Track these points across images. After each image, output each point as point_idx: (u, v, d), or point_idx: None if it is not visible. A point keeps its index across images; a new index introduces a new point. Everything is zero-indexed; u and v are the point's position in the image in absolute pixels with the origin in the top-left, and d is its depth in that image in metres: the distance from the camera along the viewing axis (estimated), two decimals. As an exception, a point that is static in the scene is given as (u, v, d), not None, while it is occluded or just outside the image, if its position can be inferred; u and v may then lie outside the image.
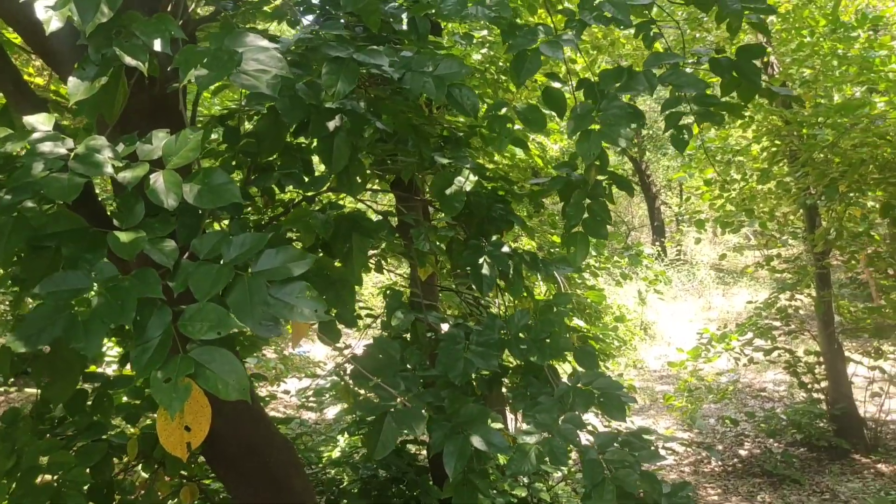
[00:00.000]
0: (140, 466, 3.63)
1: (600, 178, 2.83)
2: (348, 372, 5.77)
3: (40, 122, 1.89)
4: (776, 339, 8.26)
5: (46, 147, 1.74)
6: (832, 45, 7.11)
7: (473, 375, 2.76)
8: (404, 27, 3.32)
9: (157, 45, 1.86)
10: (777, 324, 8.42)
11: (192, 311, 1.60)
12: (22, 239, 1.66)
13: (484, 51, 5.89)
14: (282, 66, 1.83)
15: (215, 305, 1.60)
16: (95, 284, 1.59)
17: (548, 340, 2.84)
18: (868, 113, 6.53)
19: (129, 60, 1.81)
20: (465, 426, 2.51)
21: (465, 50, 5.71)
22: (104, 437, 3.17)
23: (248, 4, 3.23)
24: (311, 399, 7.25)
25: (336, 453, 6.59)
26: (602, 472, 2.50)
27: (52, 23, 1.78)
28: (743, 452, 8.23)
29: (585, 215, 2.73)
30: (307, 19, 3.91)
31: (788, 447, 8.08)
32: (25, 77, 3.02)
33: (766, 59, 7.25)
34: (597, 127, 2.40)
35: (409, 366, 2.75)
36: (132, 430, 3.63)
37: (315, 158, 4.18)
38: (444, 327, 4.05)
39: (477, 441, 2.45)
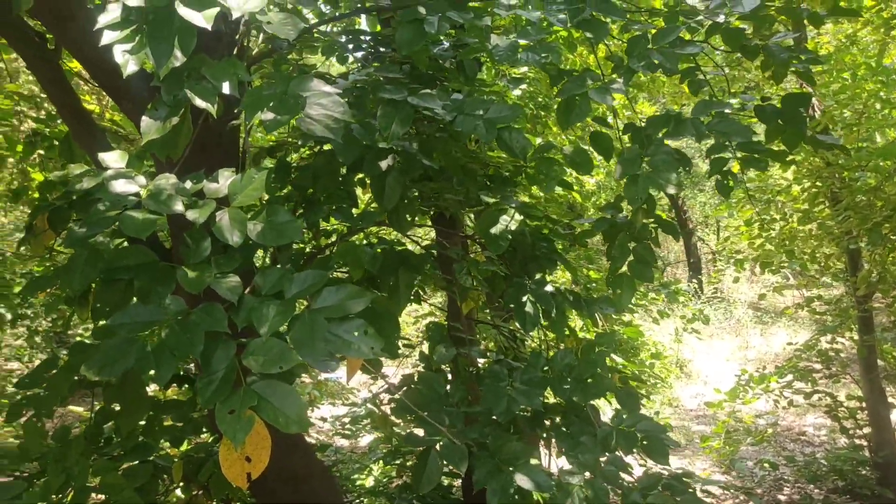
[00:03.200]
0: (179, 489, 3.70)
1: (645, 221, 2.87)
2: (385, 402, 5.80)
3: (113, 160, 1.98)
4: (816, 381, 8.11)
5: (119, 184, 1.83)
6: (874, 87, 7.09)
7: (516, 413, 2.78)
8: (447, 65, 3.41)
9: (226, 88, 1.95)
10: (818, 366, 8.27)
11: (256, 345, 1.66)
12: (96, 271, 1.75)
13: (524, 86, 5.97)
14: (343, 111, 1.91)
15: (278, 341, 1.66)
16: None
17: (590, 380, 2.86)
18: (912, 157, 6.46)
19: (199, 102, 1.90)
20: (509, 464, 2.53)
21: (504, 86, 5.80)
22: (150, 458, 3.25)
23: (301, 42, 3.35)
24: (346, 426, 7.29)
25: (370, 482, 6.60)
26: (644, 515, 2.51)
27: (129, 66, 1.87)
28: (782, 498, 8.05)
29: (630, 258, 2.76)
30: (355, 55, 4.03)
31: (830, 494, 7.88)
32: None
33: (807, 102, 7.22)
34: (645, 172, 2.44)
35: (453, 401, 2.78)
36: (175, 452, 3.70)
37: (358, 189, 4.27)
38: (480, 361, 4.08)
39: (521, 479, 2.47)
